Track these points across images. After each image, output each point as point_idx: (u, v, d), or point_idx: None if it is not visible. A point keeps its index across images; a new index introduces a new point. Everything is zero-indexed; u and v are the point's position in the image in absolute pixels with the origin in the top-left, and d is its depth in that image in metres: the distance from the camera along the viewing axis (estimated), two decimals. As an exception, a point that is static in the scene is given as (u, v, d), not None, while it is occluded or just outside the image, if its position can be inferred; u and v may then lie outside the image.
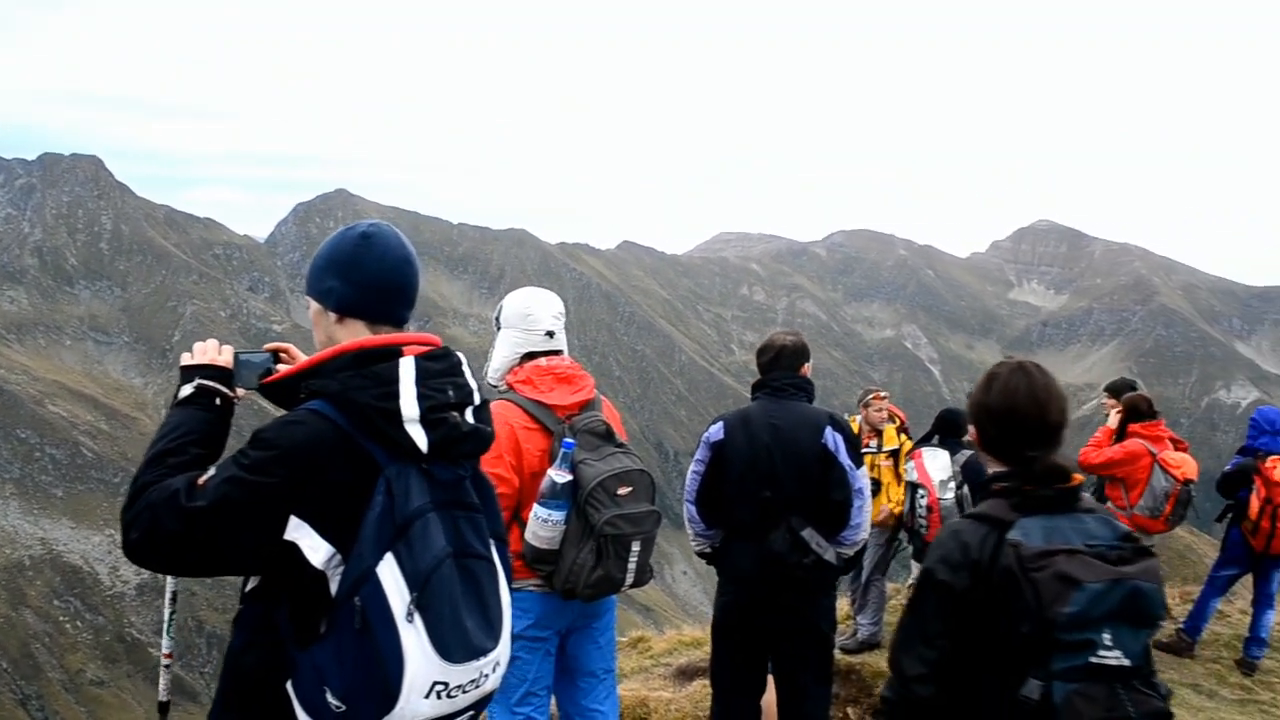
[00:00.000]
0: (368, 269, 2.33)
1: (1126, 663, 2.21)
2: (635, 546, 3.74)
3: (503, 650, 2.16)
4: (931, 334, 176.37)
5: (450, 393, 2.20)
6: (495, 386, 4.04)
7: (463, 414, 2.23)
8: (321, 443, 2.05)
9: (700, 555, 4.87)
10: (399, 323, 2.38)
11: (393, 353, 2.19)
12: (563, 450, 3.65)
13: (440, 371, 2.22)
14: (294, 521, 2.00)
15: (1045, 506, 2.38)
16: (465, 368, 2.32)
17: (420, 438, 2.09)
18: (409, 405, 2.10)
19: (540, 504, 3.64)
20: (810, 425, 4.60)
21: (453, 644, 1.99)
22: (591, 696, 4.11)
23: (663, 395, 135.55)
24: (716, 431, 4.66)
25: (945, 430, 7.03)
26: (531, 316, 4.05)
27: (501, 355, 4.07)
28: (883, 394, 8.01)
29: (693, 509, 4.76)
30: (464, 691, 2.03)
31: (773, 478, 4.51)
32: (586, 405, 3.96)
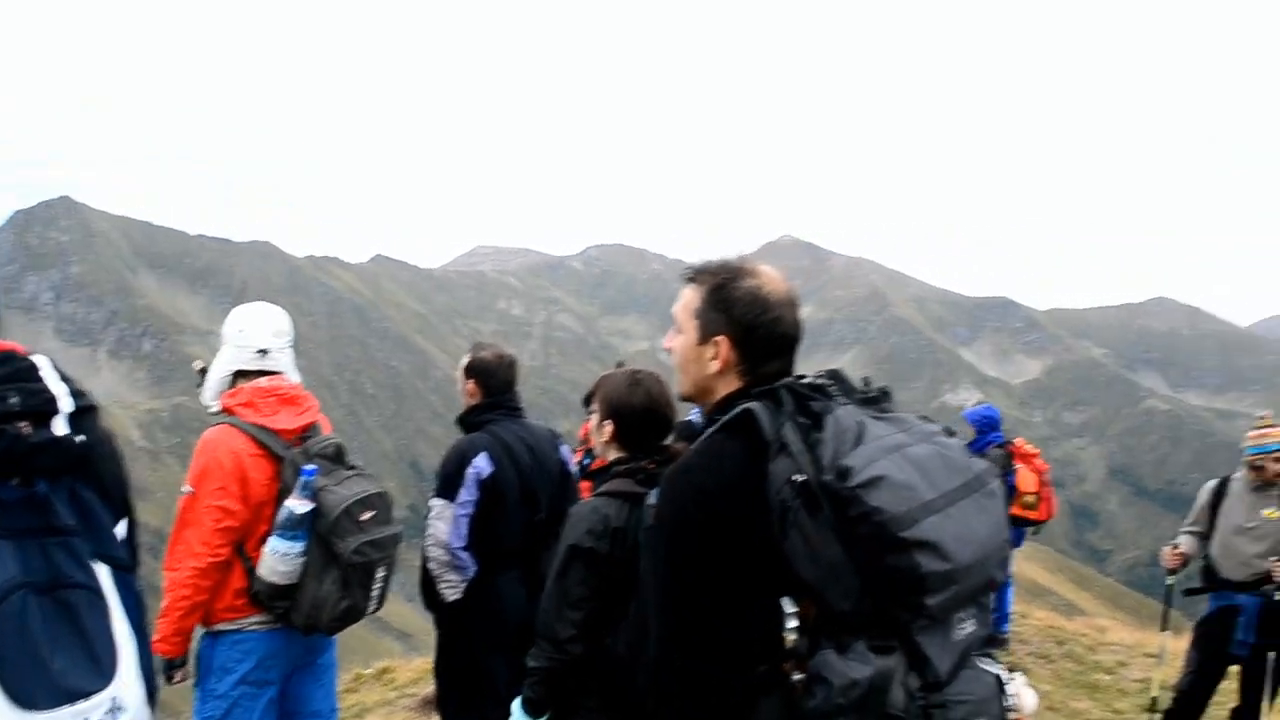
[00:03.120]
0: None
1: None
2: (380, 572, 3.70)
3: (121, 689, 1.74)
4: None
5: (13, 400, 1.79)
6: (209, 408, 3.83)
7: (44, 424, 1.83)
8: None
9: (451, 602, 4.49)
10: None
11: None
12: (303, 478, 3.51)
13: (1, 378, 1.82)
14: None
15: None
16: (46, 372, 1.88)
17: None
18: None
19: (277, 536, 3.51)
20: (550, 442, 4.67)
21: (34, 689, 1.59)
22: None
23: (418, 412, 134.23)
24: (483, 465, 4.40)
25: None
26: (244, 332, 3.85)
27: (215, 373, 3.87)
28: None
29: (464, 555, 4.40)
30: None
31: (536, 500, 4.48)
32: (310, 427, 3.82)
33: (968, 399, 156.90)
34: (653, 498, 2.14)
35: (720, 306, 2.06)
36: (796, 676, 1.77)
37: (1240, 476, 6.08)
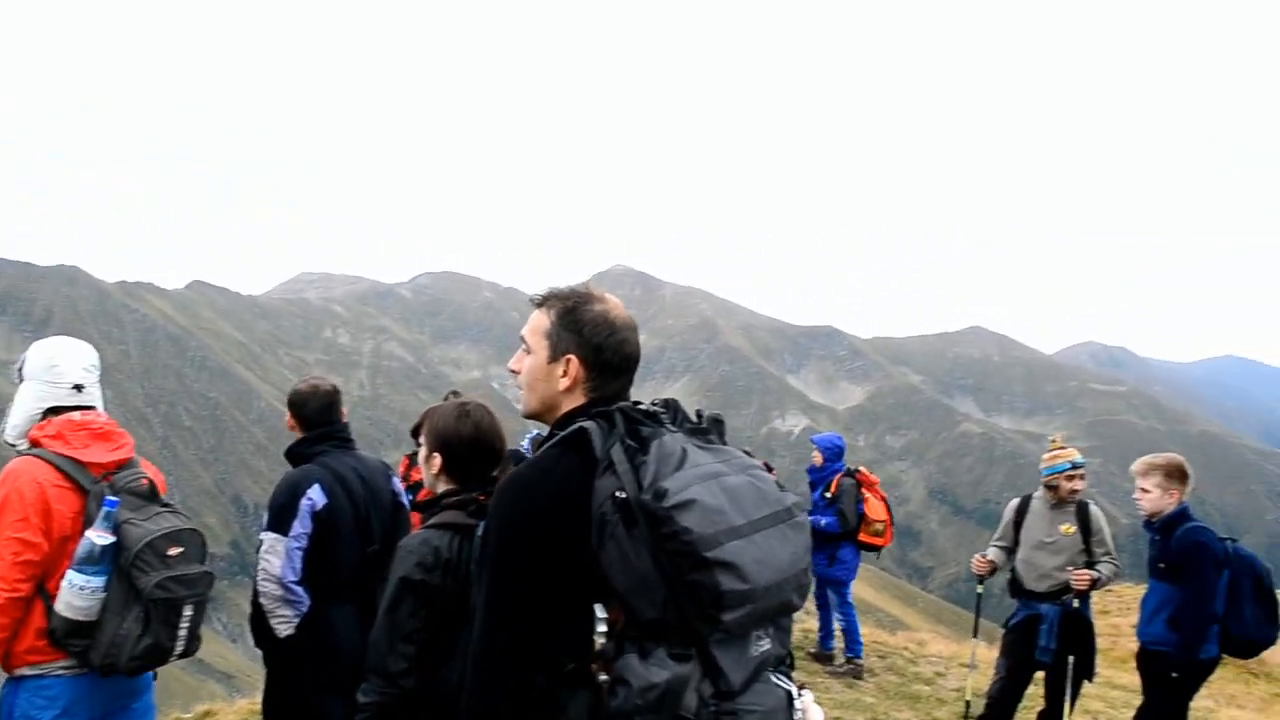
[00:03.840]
0: None
1: None
2: (188, 611, 3.57)
3: None
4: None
5: None
6: (14, 445, 3.68)
7: None
8: None
9: (284, 639, 4.44)
10: None
11: None
12: (105, 510, 3.41)
13: None
14: None
15: None
16: None
17: None
18: None
19: (75, 570, 3.37)
20: (382, 474, 4.66)
21: None
22: None
23: (239, 445, 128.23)
24: (317, 497, 4.37)
25: None
26: (57, 368, 3.72)
27: (22, 410, 3.71)
28: None
29: (298, 589, 4.36)
30: None
31: (371, 531, 4.47)
32: (125, 464, 3.67)
33: (795, 425, 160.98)
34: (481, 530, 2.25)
35: (572, 327, 2.23)
36: (602, 677, 1.91)
37: (1040, 495, 6.52)
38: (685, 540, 1.86)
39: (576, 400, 2.23)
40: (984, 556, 6.61)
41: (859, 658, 9.00)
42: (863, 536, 8.78)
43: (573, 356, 2.22)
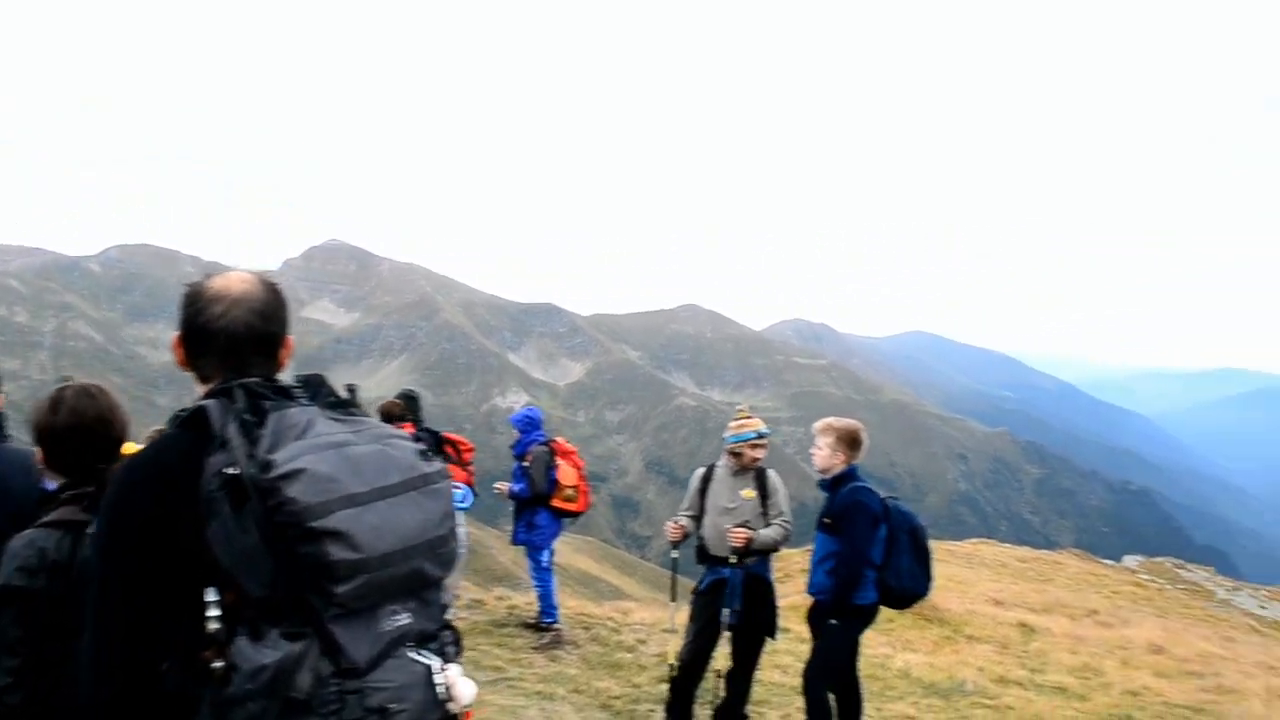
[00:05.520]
0: None
1: None
2: None
3: None
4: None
5: None
6: None
7: None
8: None
9: None
10: None
11: None
12: None
13: None
14: None
15: None
16: None
17: None
18: None
19: None
20: (22, 467, 3.92)
21: None
22: None
23: None
24: None
25: None
26: None
27: None
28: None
29: None
30: None
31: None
32: None
33: (516, 402, 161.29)
34: (95, 528, 2.11)
35: (184, 308, 2.17)
36: (217, 664, 1.81)
37: (724, 463, 6.68)
38: (291, 511, 1.80)
39: (217, 380, 2.12)
40: (677, 522, 6.73)
41: (554, 623, 9.22)
42: (556, 502, 9.03)
43: (178, 336, 2.18)
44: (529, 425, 9.29)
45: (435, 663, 2.01)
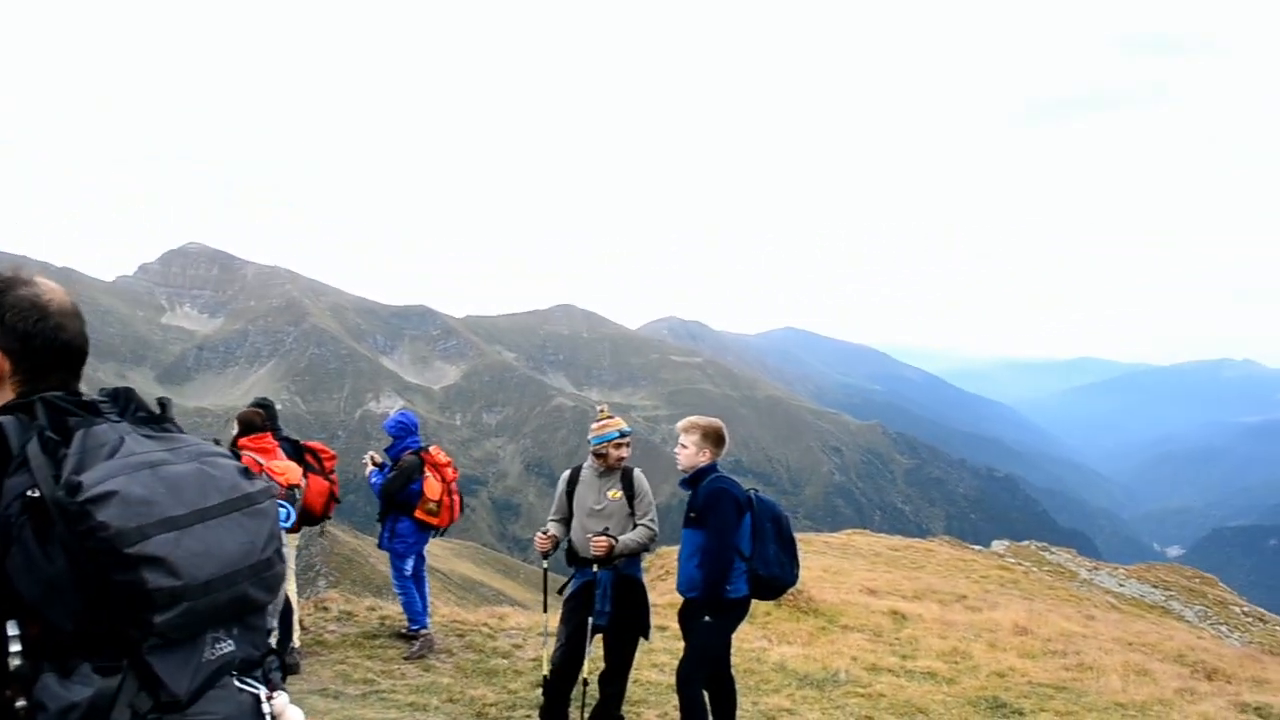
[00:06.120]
0: None
1: None
2: None
3: None
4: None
5: None
6: None
7: None
8: None
9: None
10: None
11: None
12: None
13: None
14: None
15: None
16: None
17: None
18: None
19: None
20: None
21: None
22: None
23: None
24: None
25: None
26: None
27: None
28: None
29: None
30: None
31: None
32: None
33: (391, 406, 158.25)
34: None
35: None
36: (20, 703, 1.69)
37: (590, 464, 6.67)
38: (103, 537, 1.68)
39: (6, 397, 1.96)
40: (545, 533, 6.67)
41: (420, 628, 9.08)
42: (418, 514, 8.91)
43: None
44: (402, 431, 9.12)
45: (262, 691, 1.92)
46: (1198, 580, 29.57)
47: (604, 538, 6.23)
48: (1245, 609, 26.93)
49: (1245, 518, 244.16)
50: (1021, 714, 8.40)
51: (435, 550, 65.06)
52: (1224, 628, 23.55)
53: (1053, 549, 29.87)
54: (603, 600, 6.30)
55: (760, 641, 10.65)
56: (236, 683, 1.89)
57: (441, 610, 10.92)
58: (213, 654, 1.84)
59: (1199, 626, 22.49)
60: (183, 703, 1.77)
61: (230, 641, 1.88)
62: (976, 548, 28.75)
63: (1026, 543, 30.29)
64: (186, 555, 1.76)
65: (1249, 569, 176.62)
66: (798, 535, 6.53)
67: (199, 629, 1.81)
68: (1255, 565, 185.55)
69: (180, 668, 1.77)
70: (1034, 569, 25.15)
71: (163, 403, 2.06)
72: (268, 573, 1.95)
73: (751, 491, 6.20)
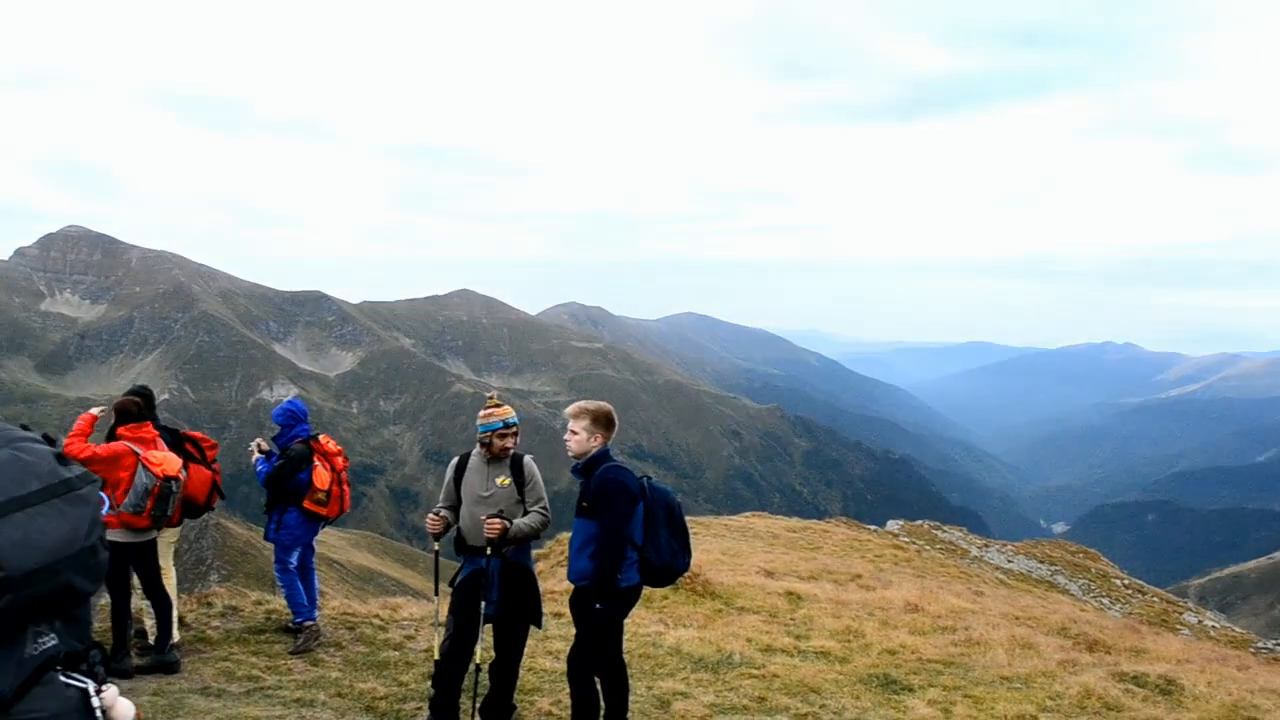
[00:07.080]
0: None
1: None
2: None
3: None
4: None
5: None
6: None
7: None
8: None
9: None
10: None
11: None
12: None
13: None
14: None
15: None
16: None
17: None
18: None
19: None
20: None
21: None
22: None
23: None
24: None
25: None
26: None
27: None
28: None
29: None
30: None
31: None
32: None
33: (285, 394, 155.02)
34: None
35: None
36: None
37: (478, 452, 6.58)
38: None
39: None
40: (437, 514, 6.59)
41: (308, 621, 8.85)
42: (307, 504, 8.73)
43: None
44: (291, 420, 8.94)
45: (90, 685, 1.85)
46: (1081, 555, 30.77)
47: (497, 519, 6.16)
48: (1126, 581, 28.12)
49: (1126, 494, 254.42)
50: (911, 690, 8.56)
51: (332, 541, 63.94)
52: (1106, 600, 24.54)
53: (945, 528, 30.69)
54: (489, 589, 6.26)
55: (656, 625, 10.65)
56: (62, 678, 1.81)
57: (332, 602, 10.62)
58: (35, 649, 1.76)
59: (1082, 600, 23.38)
60: (7, 701, 1.69)
61: (53, 635, 1.79)
62: (872, 528, 29.34)
63: (920, 522, 31.04)
64: (7, 545, 1.68)
65: (1129, 543, 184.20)
66: (698, 519, 6.56)
67: (22, 623, 1.73)
68: (1135, 540, 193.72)
69: (3, 665, 1.70)
70: (927, 547, 25.78)
71: None
72: (92, 561, 1.85)
73: (644, 479, 6.18)
